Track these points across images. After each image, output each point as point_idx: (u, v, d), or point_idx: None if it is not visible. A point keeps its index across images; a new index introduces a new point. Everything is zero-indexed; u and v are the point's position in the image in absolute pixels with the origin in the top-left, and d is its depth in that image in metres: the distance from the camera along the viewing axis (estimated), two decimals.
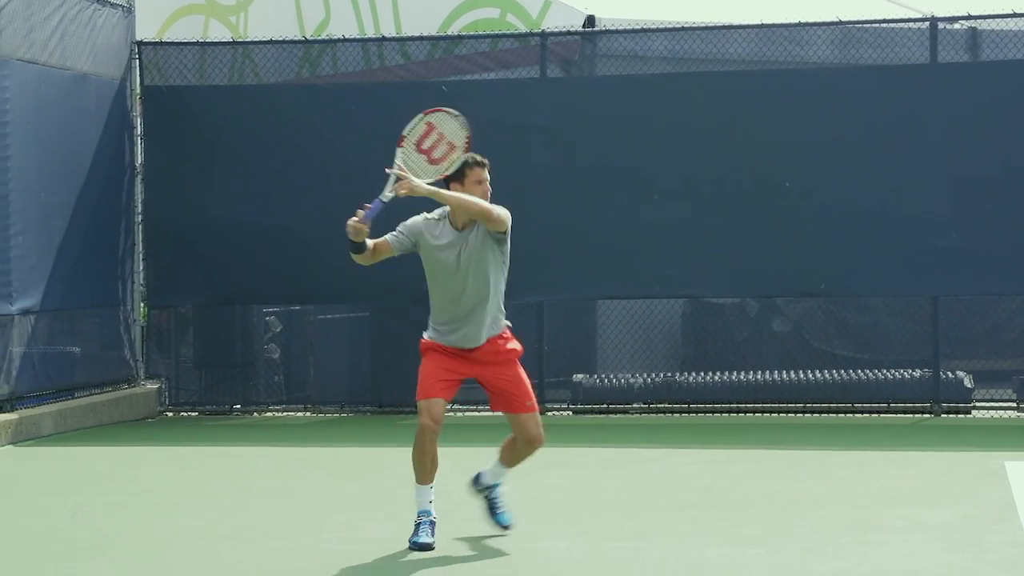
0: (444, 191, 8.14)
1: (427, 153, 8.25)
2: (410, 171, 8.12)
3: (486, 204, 8.09)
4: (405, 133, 8.25)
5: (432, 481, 8.18)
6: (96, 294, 15.08)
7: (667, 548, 8.28)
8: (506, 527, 8.57)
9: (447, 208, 8.21)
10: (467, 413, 14.66)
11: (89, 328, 14.97)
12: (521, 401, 8.39)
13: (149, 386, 15.60)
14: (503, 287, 8.32)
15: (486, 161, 8.28)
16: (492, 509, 8.62)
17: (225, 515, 9.70)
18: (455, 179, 8.20)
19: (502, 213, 8.12)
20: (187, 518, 9.60)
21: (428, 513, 8.17)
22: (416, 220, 8.27)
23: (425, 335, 8.39)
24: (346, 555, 8.23)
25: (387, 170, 8.09)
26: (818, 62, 15.06)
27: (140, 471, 12.04)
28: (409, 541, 8.15)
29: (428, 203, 8.18)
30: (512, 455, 8.54)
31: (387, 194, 8.03)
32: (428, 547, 8.07)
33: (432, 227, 8.23)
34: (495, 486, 8.62)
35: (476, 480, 8.68)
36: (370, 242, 8.15)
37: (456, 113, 8.32)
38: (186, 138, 15.52)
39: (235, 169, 15.45)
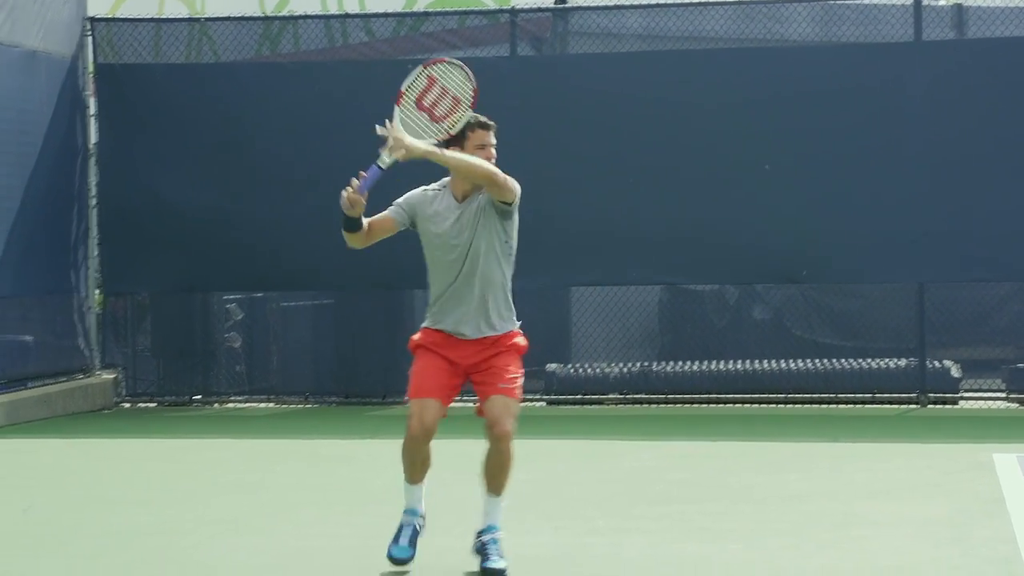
0: (444, 151, 7.42)
1: (429, 110, 7.55)
2: (410, 131, 7.42)
3: (492, 167, 7.43)
4: (404, 88, 7.54)
5: (422, 481, 7.63)
6: (49, 280, 15.08)
7: (645, 544, 8.29)
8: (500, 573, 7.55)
9: (448, 178, 7.63)
10: None
11: (42, 316, 14.97)
12: (494, 381, 7.55)
13: (105, 376, 15.59)
14: (509, 275, 7.64)
15: (492, 123, 7.62)
16: (483, 556, 7.61)
17: (185, 510, 9.68)
18: (454, 142, 7.52)
19: (510, 180, 7.48)
20: (145, 513, 9.56)
21: (415, 513, 7.63)
22: (414, 193, 7.66)
23: (417, 333, 7.71)
24: (311, 551, 8.24)
25: (378, 129, 7.38)
26: (798, 40, 15.14)
27: (96, 464, 12.02)
28: (388, 550, 7.59)
29: (434, 172, 7.61)
30: (487, 462, 7.62)
31: (385, 159, 7.36)
32: (403, 561, 7.55)
33: (430, 199, 7.60)
34: (487, 531, 7.65)
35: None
36: (365, 220, 7.57)
37: (460, 63, 7.69)
38: (141, 118, 15.50)
39: (193, 150, 15.43)
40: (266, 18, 16.87)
